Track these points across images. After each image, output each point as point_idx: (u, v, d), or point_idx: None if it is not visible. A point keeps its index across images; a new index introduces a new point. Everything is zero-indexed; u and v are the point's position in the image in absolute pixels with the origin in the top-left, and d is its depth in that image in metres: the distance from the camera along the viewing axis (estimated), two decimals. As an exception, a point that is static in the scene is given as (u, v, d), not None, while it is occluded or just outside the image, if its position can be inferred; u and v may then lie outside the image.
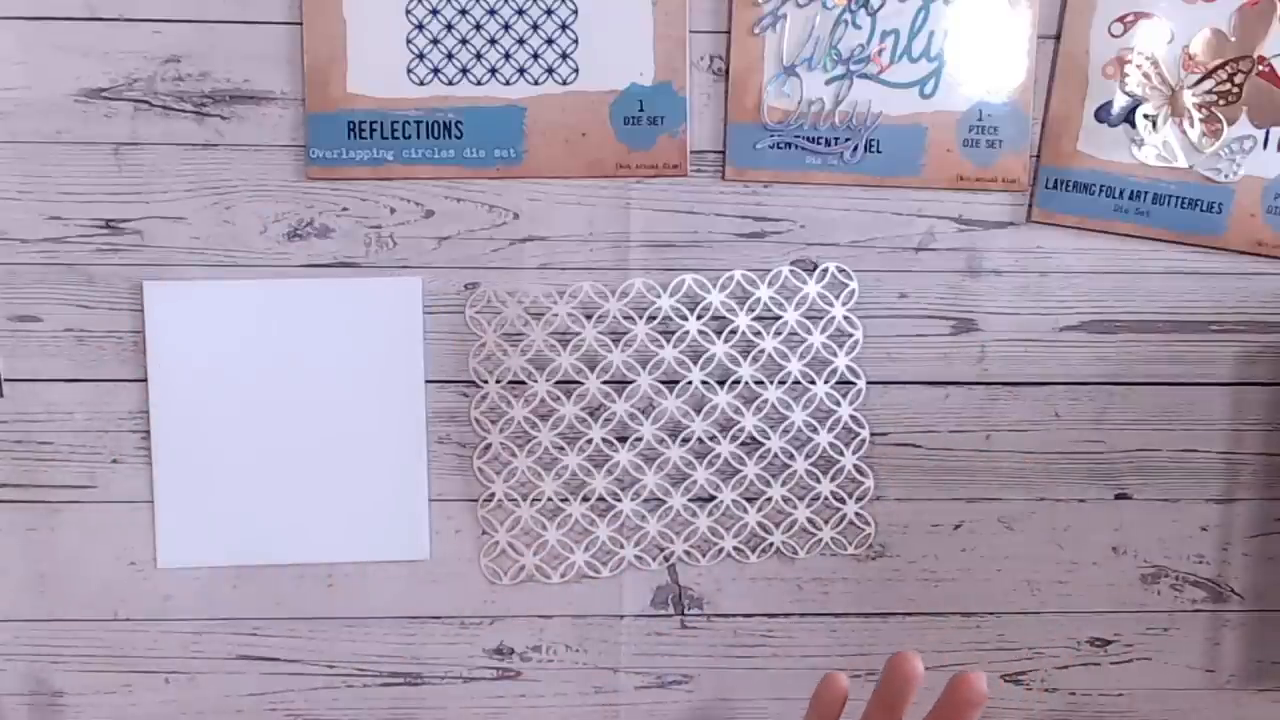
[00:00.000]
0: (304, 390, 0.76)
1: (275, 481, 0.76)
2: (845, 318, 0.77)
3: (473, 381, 0.76)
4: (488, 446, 0.77)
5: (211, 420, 0.75)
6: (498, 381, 0.76)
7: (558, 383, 0.77)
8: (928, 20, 0.75)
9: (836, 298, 0.77)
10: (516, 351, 0.76)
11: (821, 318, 0.77)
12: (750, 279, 0.76)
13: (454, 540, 0.78)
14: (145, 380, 0.75)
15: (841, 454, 0.78)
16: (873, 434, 0.78)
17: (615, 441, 0.77)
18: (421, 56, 0.75)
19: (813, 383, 0.77)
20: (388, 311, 0.76)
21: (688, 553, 0.78)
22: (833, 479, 0.78)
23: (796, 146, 0.76)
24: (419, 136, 0.75)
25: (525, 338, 0.76)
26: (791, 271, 0.76)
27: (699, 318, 0.76)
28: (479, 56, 0.75)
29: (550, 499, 0.78)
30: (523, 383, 0.77)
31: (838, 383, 0.77)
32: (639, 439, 0.77)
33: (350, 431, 0.76)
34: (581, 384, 0.77)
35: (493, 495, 0.77)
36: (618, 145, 0.75)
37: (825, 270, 0.77)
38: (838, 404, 0.77)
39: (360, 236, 0.76)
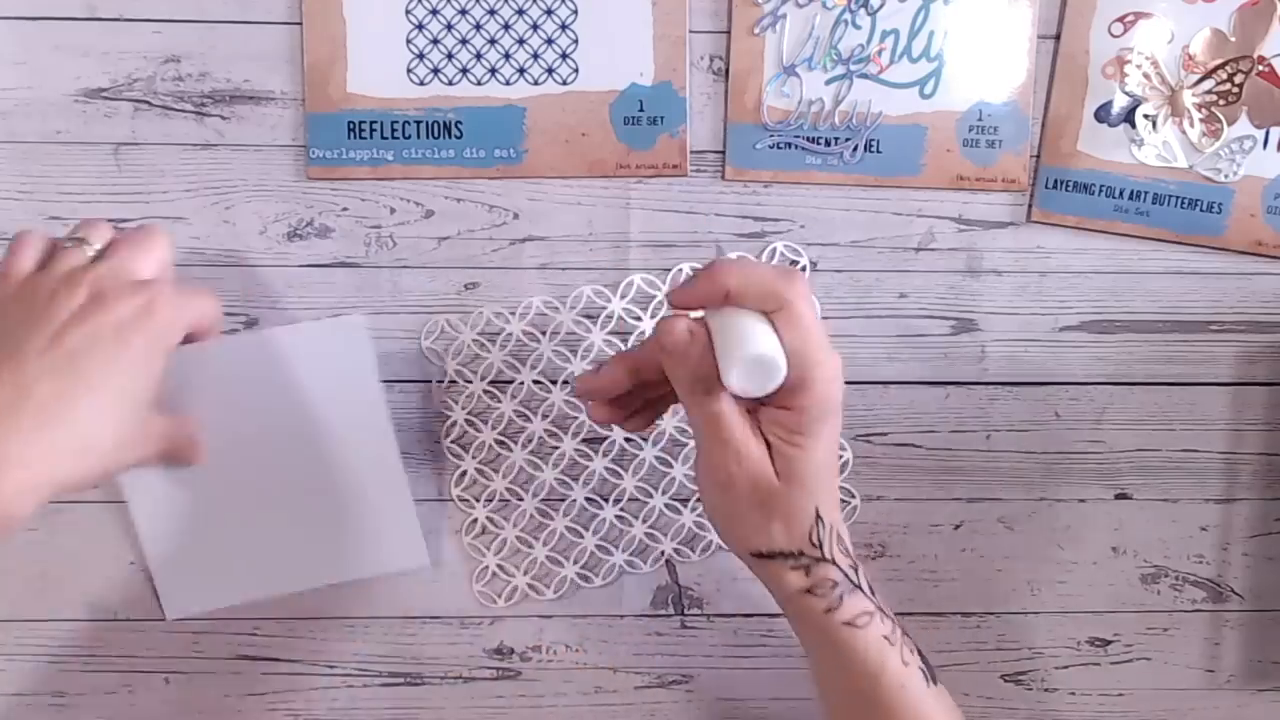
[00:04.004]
0: (276, 438, 0.73)
1: (260, 517, 0.73)
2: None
3: (438, 412, 0.76)
4: (464, 474, 0.77)
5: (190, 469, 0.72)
6: (463, 409, 0.76)
7: (522, 402, 0.76)
8: (928, 20, 0.75)
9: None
10: (477, 377, 0.76)
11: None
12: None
13: (454, 540, 0.78)
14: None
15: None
16: (873, 434, 0.78)
17: (589, 450, 0.77)
18: (421, 56, 0.74)
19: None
20: (339, 359, 0.72)
21: (677, 550, 0.78)
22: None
23: (796, 146, 0.76)
24: (419, 136, 0.75)
25: (484, 360, 0.76)
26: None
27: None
28: (479, 56, 0.75)
29: (533, 515, 0.77)
30: (489, 406, 0.76)
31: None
32: (613, 443, 0.77)
33: (328, 462, 0.73)
34: (546, 398, 0.76)
35: (475, 520, 0.77)
36: (618, 145, 0.75)
37: (775, 251, 0.76)
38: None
39: (360, 236, 0.76)
